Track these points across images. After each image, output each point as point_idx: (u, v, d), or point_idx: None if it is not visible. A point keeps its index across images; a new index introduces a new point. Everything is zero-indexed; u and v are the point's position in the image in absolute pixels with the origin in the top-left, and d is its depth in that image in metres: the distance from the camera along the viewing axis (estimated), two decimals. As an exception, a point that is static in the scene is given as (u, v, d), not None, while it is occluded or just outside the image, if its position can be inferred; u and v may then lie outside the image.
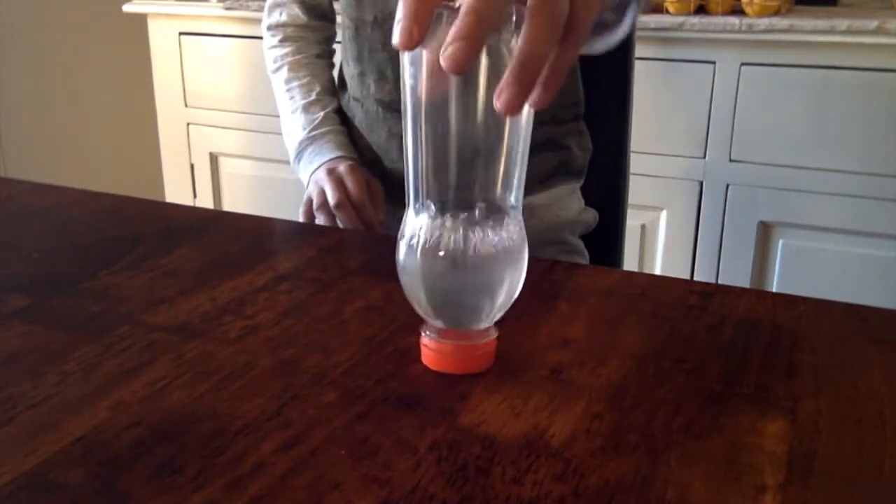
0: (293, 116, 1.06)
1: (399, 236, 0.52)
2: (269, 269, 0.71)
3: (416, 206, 0.51)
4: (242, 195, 2.07)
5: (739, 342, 0.59)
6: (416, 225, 0.51)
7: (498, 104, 0.42)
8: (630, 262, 1.67)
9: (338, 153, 1.00)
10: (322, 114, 1.05)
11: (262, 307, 0.64)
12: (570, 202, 1.05)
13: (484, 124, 0.48)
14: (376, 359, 0.56)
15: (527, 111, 0.48)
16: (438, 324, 0.53)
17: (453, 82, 0.46)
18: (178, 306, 0.64)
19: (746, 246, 1.59)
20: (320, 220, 0.97)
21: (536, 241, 1.00)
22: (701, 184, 1.60)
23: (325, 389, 0.52)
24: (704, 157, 1.59)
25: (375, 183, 1.00)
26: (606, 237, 1.14)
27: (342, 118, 1.07)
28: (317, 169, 0.99)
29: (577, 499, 0.41)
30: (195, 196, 2.13)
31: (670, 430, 0.47)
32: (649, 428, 0.48)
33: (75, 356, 0.56)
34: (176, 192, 2.15)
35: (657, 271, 1.68)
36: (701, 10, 1.57)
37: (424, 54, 0.45)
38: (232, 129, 2.03)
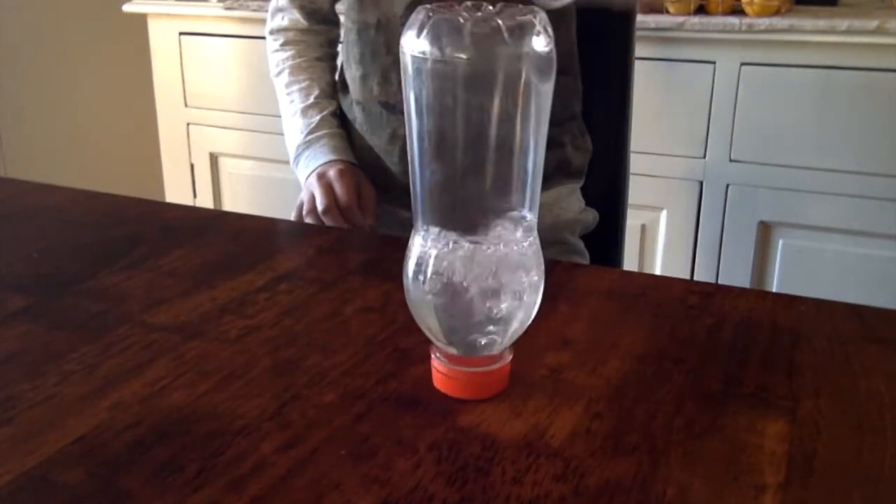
0: (292, 120, 1.07)
1: (405, 258, 0.50)
2: (269, 269, 0.71)
3: (423, 230, 0.48)
4: (242, 195, 2.07)
5: (739, 342, 0.58)
6: (422, 251, 0.48)
7: None
8: (630, 262, 1.66)
9: (331, 157, 1.01)
10: (318, 117, 1.05)
11: (262, 307, 0.64)
12: (570, 202, 1.05)
13: (492, 137, 0.45)
14: (376, 359, 0.56)
15: (535, 118, 0.47)
16: (451, 350, 0.50)
17: (460, 95, 0.44)
18: (178, 306, 0.64)
19: (746, 246, 1.59)
20: (309, 223, 0.97)
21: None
22: (701, 184, 1.60)
23: (325, 389, 0.52)
24: (704, 157, 1.59)
25: (367, 186, 1.00)
26: (606, 237, 1.13)
27: (341, 120, 1.07)
28: (311, 174, 1.00)
29: (577, 499, 0.41)
30: (195, 196, 2.13)
31: (670, 430, 0.47)
32: (649, 428, 0.48)
33: (75, 356, 0.55)
34: (176, 192, 2.15)
35: (657, 271, 1.68)
36: (701, 10, 1.57)
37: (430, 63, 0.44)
38: (232, 129, 2.03)
